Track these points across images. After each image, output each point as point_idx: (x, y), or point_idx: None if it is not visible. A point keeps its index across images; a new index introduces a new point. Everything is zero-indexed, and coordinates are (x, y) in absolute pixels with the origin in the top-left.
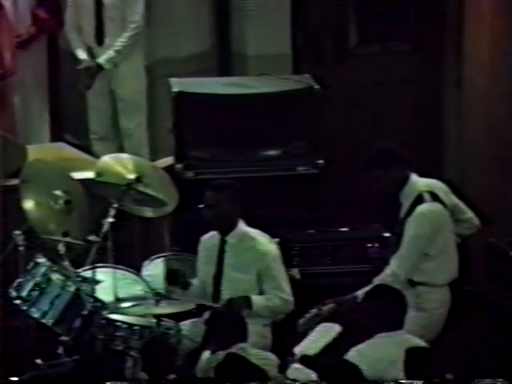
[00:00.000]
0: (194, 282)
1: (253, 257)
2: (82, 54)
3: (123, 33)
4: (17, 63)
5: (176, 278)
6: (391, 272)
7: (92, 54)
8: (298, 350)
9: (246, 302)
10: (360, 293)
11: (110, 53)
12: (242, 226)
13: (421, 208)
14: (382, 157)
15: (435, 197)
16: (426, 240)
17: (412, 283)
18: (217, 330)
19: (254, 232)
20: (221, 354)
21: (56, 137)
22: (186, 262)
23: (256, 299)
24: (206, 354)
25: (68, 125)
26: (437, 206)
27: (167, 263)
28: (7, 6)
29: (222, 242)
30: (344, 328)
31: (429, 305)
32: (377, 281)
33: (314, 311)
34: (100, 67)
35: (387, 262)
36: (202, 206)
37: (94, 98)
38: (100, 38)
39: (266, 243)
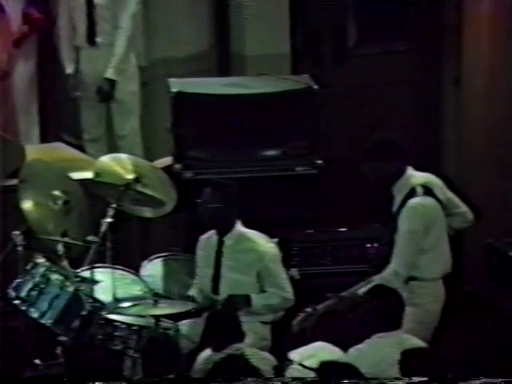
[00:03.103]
0: (194, 288)
1: (251, 258)
2: (69, 68)
3: (115, 34)
4: (13, 64)
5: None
6: (392, 271)
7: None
8: (296, 357)
9: (246, 300)
10: (360, 291)
11: (114, 64)
12: (239, 227)
13: (412, 202)
14: (383, 148)
15: (428, 191)
16: (420, 235)
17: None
18: (214, 331)
19: (251, 233)
20: (217, 355)
21: (50, 136)
22: (184, 262)
23: (255, 298)
24: (204, 355)
25: (65, 124)
26: (429, 201)
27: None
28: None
29: (220, 244)
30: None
31: (422, 300)
32: (378, 280)
33: (308, 310)
34: (111, 81)
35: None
36: (198, 200)
37: (87, 99)
38: (91, 37)
39: (264, 243)
